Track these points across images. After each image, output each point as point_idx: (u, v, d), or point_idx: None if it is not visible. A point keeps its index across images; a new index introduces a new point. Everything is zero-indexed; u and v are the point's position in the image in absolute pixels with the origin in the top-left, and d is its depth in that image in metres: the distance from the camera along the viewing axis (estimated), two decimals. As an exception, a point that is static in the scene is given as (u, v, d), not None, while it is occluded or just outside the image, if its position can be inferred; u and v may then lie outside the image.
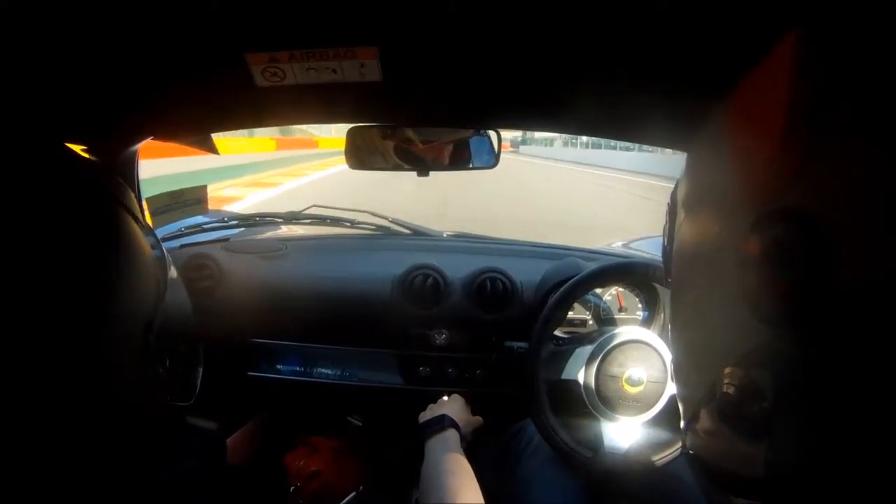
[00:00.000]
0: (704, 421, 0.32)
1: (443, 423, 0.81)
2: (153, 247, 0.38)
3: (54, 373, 0.30)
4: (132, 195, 0.36)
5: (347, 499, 1.15)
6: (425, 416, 0.90)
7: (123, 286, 0.34)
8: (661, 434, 0.88)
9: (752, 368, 0.26)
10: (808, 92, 0.23)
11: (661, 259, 1.42)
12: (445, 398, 0.98)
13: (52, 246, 0.30)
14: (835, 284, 0.22)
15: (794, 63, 0.24)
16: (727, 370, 0.28)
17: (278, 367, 1.19)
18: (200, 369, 0.44)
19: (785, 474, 0.26)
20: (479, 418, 0.97)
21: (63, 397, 0.30)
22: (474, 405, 1.12)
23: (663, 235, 0.38)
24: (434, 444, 0.78)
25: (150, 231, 0.37)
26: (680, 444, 0.83)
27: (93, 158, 0.92)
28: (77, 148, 0.87)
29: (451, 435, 0.80)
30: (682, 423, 0.37)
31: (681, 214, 0.36)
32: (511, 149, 37.60)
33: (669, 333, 0.38)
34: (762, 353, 0.26)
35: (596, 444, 0.84)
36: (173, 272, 0.39)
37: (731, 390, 0.28)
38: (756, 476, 0.27)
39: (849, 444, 0.23)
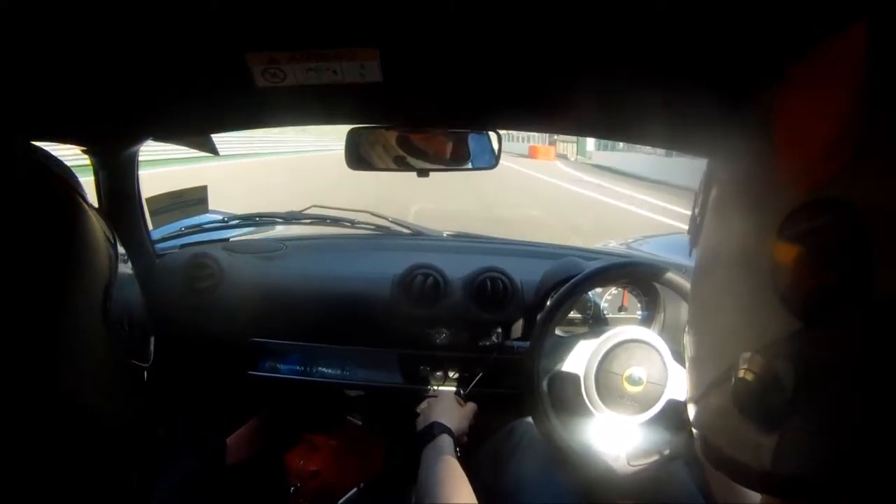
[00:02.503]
0: (715, 402, 0.32)
1: (432, 431, 0.82)
2: (94, 212, 0.41)
3: (23, 344, 0.32)
4: (70, 171, 0.39)
5: (348, 495, 1.15)
6: (419, 423, 0.92)
7: (77, 255, 0.37)
8: (658, 436, 0.88)
9: (776, 358, 0.26)
10: (874, 82, 0.22)
11: (661, 259, 1.41)
12: (433, 398, 0.98)
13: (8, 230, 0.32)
14: (872, 286, 0.21)
15: (860, 54, 0.23)
16: (747, 355, 0.27)
17: (278, 366, 1.19)
18: (153, 338, 0.48)
19: (792, 471, 0.26)
20: (471, 406, 0.98)
21: (31, 363, 0.32)
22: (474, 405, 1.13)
23: (693, 206, 0.38)
24: (428, 452, 0.80)
25: (95, 210, 0.40)
26: (676, 448, 0.83)
27: (91, 161, 0.92)
28: (76, 150, 0.88)
29: (444, 441, 0.81)
30: (688, 397, 0.36)
31: (713, 194, 0.35)
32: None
33: (687, 309, 0.38)
34: (788, 344, 0.25)
35: (590, 443, 0.85)
36: (121, 248, 0.43)
37: (749, 376, 0.27)
38: (761, 467, 0.27)
39: (866, 451, 0.23)
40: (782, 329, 0.25)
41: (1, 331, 0.31)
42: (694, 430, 0.37)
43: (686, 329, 0.38)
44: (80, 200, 0.38)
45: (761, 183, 0.28)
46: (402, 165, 0.87)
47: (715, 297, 0.33)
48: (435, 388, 1.17)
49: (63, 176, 0.37)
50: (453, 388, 1.13)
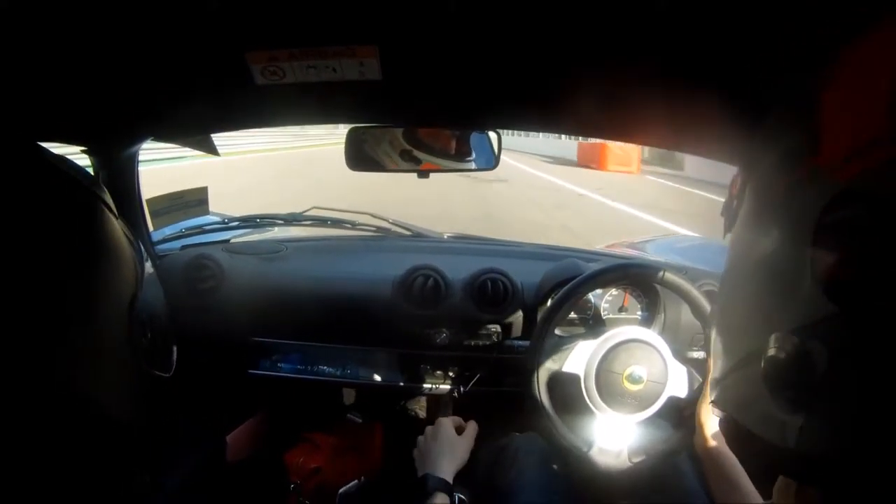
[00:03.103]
0: (743, 381, 0.32)
1: (426, 488, 0.77)
2: (122, 228, 0.41)
3: (44, 349, 0.31)
4: (98, 181, 0.39)
5: (349, 486, 1.15)
6: (416, 461, 0.86)
7: (105, 265, 0.37)
8: (657, 434, 0.88)
9: (810, 339, 0.26)
10: None
11: (662, 260, 1.41)
12: (430, 432, 0.89)
13: (26, 234, 0.31)
14: None
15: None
16: (780, 335, 0.28)
17: (279, 365, 1.19)
18: (175, 347, 0.48)
19: (815, 451, 0.26)
20: (471, 428, 0.90)
21: (49, 377, 0.31)
22: (474, 405, 1.12)
23: (729, 191, 0.38)
24: None
25: (118, 216, 0.40)
26: (676, 444, 0.83)
27: (90, 160, 0.92)
28: (77, 149, 0.88)
29: (437, 499, 0.75)
30: (713, 378, 0.37)
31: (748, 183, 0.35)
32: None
33: (718, 285, 0.38)
34: (823, 327, 0.25)
35: (591, 440, 0.85)
36: (148, 265, 0.43)
37: (781, 354, 0.27)
38: (785, 446, 0.27)
39: (891, 436, 0.23)
40: (818, 312, 0.25)
41: (27, 337, 0.30)
42: (717, 412, 0.37)
43: (714, 313, 0.39)
44: (104, 208, 0.38)
45: (796, 175, 0.29)
46: (407, 160, 0.86)
47: (749, 281, 0.33)
48: (433, 387, 1.17)
49: (85, 182, 0.37)
50: (449, 412, 1.12)
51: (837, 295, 0.25)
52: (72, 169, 0.37)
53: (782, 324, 0.28)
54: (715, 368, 0.37)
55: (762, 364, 0.29)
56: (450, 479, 0.79)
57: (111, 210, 0.39)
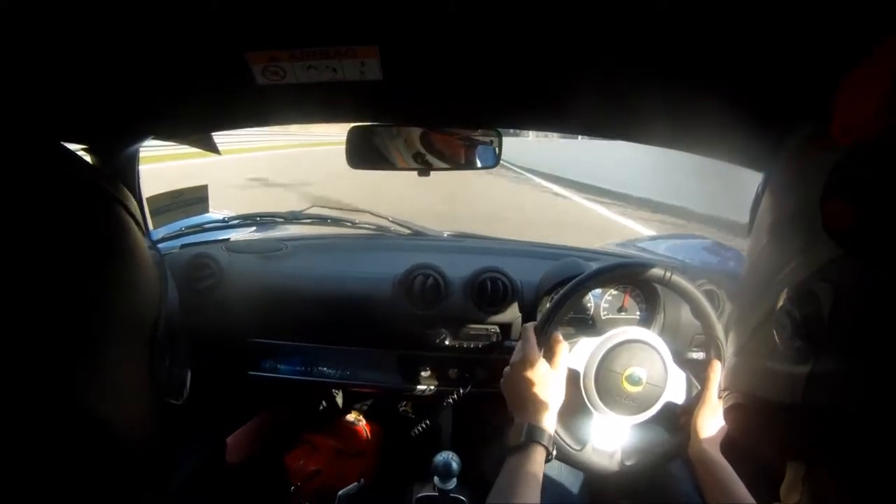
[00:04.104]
0: (756, 347, 0.33)
1: (529, 441, 0.68)
2: (150, 247, 0.38)
3: (65, 370, 0.29)
4: (130, 195, 0.36)
5: (348, 488, 1.15)
6: (507, 402, 0.76)
7: (129, 286, 0.34)
8: (652, 438, 0.88)
9: (817, 282, 0.28)
10: None
11: (662, 260, 1.41)
12: (523, 367, 0.75)
13: (54, 248, 0.29)
14: None
15: None
16: (791, 286, 0.30)
17: (279, 366, 1.19)
18: (189, 371, 0.45)
19: (823, 402, 0.28)
20: (561, 357, 0.78)
21: (69, 399, 0.30)
22: (474, 405, 1.12)
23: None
24: (514, 463, 0.67)
25: (146, 231, 0.37)
26: (672, 448, 0.83)
27: (91, 159, 0.92)
28: (77, 147, 0.88)
29: (535, 455, 0.67)
30: (729, 355, 0.38)
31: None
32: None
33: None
34: (829, 268, 0.28)
35: (586, 439, 0.84)
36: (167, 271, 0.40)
37: (789, 304, 0.30)
38: (793, 401, 0.29)
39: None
40: (826, 255, 0.28)
41: (47, 359, 0.28)
42: (725, 395, 0.38)
43: (731, 296, 0.41)
44: (130, 222, 0.35)
45: (814, 148, 0.32)
46: (420, 163, 0.87)
47: (765, 254, 0.35)
48: (432, 388, 1.17)
49: (111, 192, 0.34)
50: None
51: (843, 237, 0.27)
52: (100, 177, 0.34)
53: (791, 281, 0.30)
54: (731, 346, 0.38)
55: (773, 320, 0.31)
56: (552, 425, 0.71)
57: (139, 225, 0.36)
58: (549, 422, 0.71)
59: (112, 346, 0.33)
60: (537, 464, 0.66)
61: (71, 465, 0.31)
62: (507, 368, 0.77)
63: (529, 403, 0.72)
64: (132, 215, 0.36)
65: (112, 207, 0.34)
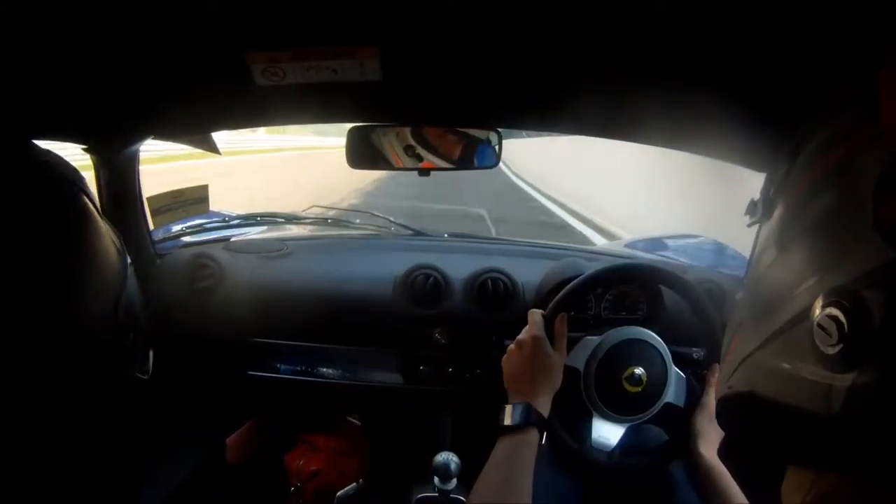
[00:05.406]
0: (779, 350, 0.32)
1: (524, 422, 0.68)
2: (109, 229, 0.40)
3: (27, 353, 0.30)
4: (83, 179, 0.37)
5: (347, 488, 1.15)
6: (505, 382, 0.75)
7: (91, 267, 0.36)
8: (651, 438, 0.88)
9: (866, 288, 0.26)
10: None
11: (665, 260, 1.40)
12: (524, 348, 0.75)
13: (12, 234, 0.31)
14: None
15: None
16: (830, 289, 0.28)
17: (279, 366, 1.19)
18: (152, 351, 0.47)
19: (866, 413, 0.26)
20: (562, 338, 0.79)
21: (41, 377, 0.31)
22: (475, 405, 1.12)
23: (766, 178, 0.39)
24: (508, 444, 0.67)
25: (101, 213, 0.39)
26: (671, 449, 0.83)
27: (91, 159, 0.92)
28: (77, 148, 0.88)
29: (532, 438, 0.67)
30: (742, 352, 0.36)
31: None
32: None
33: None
34: (883, 273, 0.25)
35: (584, 437, 0.84)
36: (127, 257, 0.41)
37: (832, 310, 0.27)
38: (829, 411, 0.27)
39: None
40: (875, 261, 0.26)
41: (6, 344, 0.29)
42: (730, 388, 0.36)
43: (744, 288, 0.39)
44: (90, 205, 0.37)
45: (855, 141, 0.30)
46: (411, 156, 0.86)
47: (789, 253, 0.33)
48: (433, 388, 1.16)
49: (70, 177, 0.36)
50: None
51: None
52: (56, 163, 0.35)
53: (831, 283, 0.28)
54: (737, 350, 0.36)
55: (806, 326, 0.29)
56: (547, 409, 0.71)
57: (95, 206, 0.38)
58: (545, 405, 0.71)
59: (72, 326, 0.34)
60: (532, 446, 0.66)
61: (39, 454, 0.31)
62: (510, 347, 0.77)
63: (529, 383, 0.72)
64: (90, 198, 0.37)
65: (70, 191, 0.35)
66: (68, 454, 0.33)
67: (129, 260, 0.41)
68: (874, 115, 0.28)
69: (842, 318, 0.26)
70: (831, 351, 0.27)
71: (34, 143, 0.35)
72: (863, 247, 0.26)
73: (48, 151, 0.36)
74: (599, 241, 4.96)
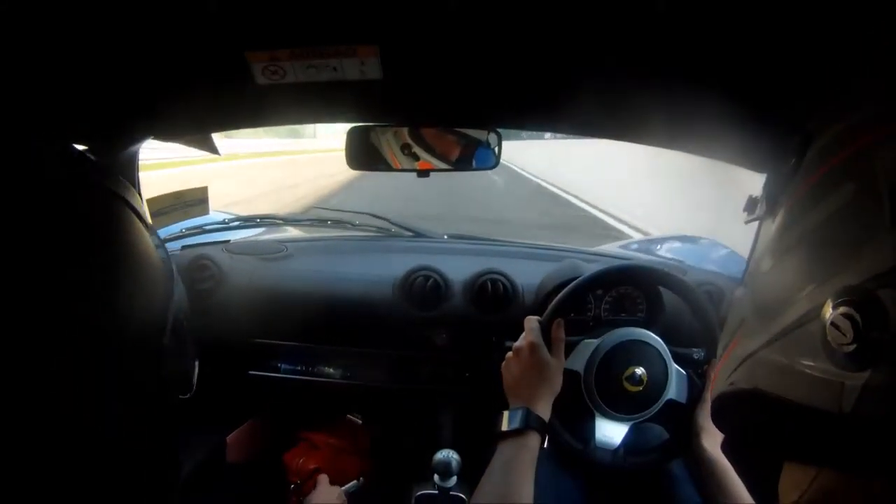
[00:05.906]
0: (787, 347, 0.31)
1: (525, 427, 0.67)
2: (157, 246, 0.37)
3: (71, 371, 0.29)
4: (136, 194, 0.35)
5: (347, 486, 1.14)
6: (505, 387, 0.76)
7: (137, 286, 0.34)
8: (653, 437, 0.87)
9: (883, 287, 0.25)
10: None
11: (664, 262, 1.41)
12: (522, 354, 0.76)
13: (59, 249, 0.29)
14: None
15: None
16: (844, 288, 0.27)
17: (279, 366, 1.19)
18: (196, 363, 0.45)
19: (880, 411, 0.26)
20: (560, 344, 0.79)
21: (78, 403, 0.29)
22: (475, 407, 1.12)
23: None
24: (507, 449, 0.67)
25: (153, 230, 0.37)
26: (673, 448, 0.83)
27: (96, 158, 0.92)
28: (78, 147, 0.88)
29: (532, 442, 0.67)
30: (746, 350, 0.36)
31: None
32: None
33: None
34: None
35: (587, 438, 0.85)
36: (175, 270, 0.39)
37: (846, 308, 0.27)
38: (841, 410, 0.26)
39: None
40: (892, 259, 0.25)
41: (46, 354, 0.27)
42: (731, 384, 0.36)
43: (745, 283, 0.38)
44: (137, 220, 0.35)
45: (872, 138, 0.29)
46: (408, 155, 0.86)
47: (797, 251, 0.33)
48: (432, 389, 1.16)
49: (120, 192, 0.34)
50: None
51: None
52: (105, 177, 0.33)
53: (844, 282, 0.27)
54: (739, 348, 0.36)
55: (817, 324, 0.28)
56: (547, 413, 0.71)
57: (143, 221, 0.36)
58: (545, 409, 0.71)
59: (118, 346, 0.32)
60: (533, 450, 0.66)
61: (74, 469, 0.30)
62: (508, 353, 0.78)
63: (528, 389, 0.73)
64: (137, 214, 0.35)
65: (117, 207, 0.34)
66: (102, 468, 0.31)
67: (177, 279, 0.39)
68: (891, 114, 0.28)
69: (857, 316, 0.26)
70: (846, 349, 0.27)
71: (80, 152, 0.34)
72: (878, 246, 0.26)
73: (93, 162, 0.34)
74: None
